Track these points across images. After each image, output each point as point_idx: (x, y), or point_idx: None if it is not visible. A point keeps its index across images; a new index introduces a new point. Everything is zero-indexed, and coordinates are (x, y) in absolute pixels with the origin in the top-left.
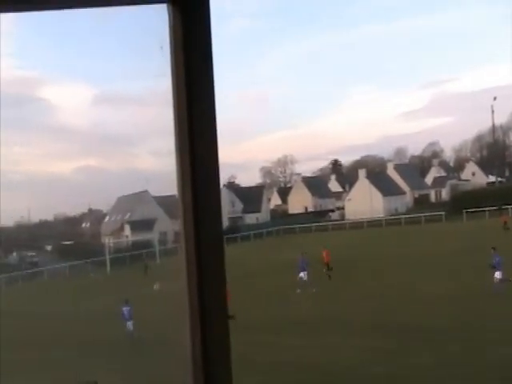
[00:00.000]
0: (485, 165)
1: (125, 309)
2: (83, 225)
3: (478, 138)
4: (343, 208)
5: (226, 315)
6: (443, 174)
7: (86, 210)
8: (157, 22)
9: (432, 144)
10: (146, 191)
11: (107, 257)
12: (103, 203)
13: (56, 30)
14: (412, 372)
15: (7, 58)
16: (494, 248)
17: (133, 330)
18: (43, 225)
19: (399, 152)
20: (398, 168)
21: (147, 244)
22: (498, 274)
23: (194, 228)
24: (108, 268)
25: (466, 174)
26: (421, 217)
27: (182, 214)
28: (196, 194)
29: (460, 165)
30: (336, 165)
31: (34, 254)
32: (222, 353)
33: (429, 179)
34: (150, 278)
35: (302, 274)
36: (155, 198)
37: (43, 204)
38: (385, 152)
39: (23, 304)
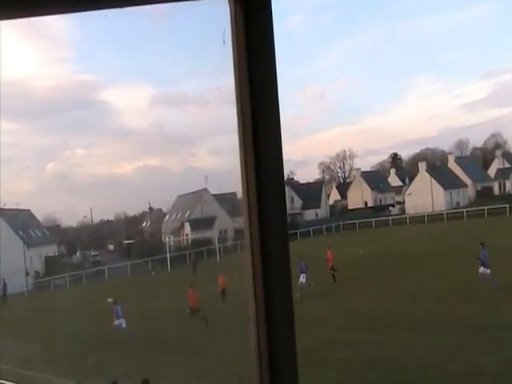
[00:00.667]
0: None
1: (117, 307)
2: (144, 224)
3: None
4: (403, 202)
5: (291, 309)
6: (507, 165)
7: (146, 209)
8: (217, 16)
9: (494, 135)
10: (205, 189)
11: (168, 255)
12: (163, 202)
13: (114, 32)
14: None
15: (69, 64)
16: (482, 244)
17: (126, 328)
18: (105, 224)
19: (460, 144)
20: (459, 160)
21: (207, 242)
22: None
23: (258, 224)
24: (169, 266)
25: None
26: (484, 210)
27: (247, 210)
28: (260, 191)
29: None
30: (395, 158)
31: (96, 253)
32: (288, 346)
33: (492, 171)
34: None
35: (301, 278)
36: (214, 195)
37: (105, 204)
38: (445, 144)
39: (90, 302)
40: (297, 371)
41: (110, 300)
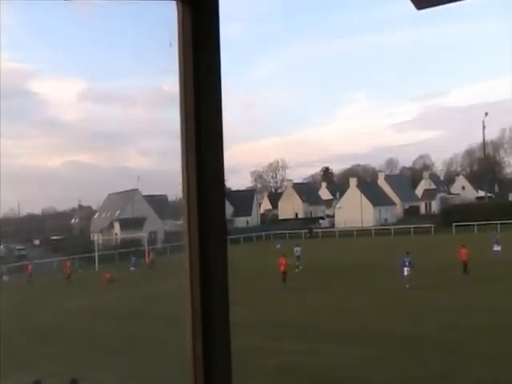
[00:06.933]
0: (475, 179)
1: None
2: (72, 220)
3: (469, 153)
4: (333, 216)
5: (227, 314)
6: (433, 186)
7: (75, 206)
8: (165, 17)
9: (422, 157)
10: (136, 190)
11: (96, 253)
12: (93, 200)
13: (54, 24)
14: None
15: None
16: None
17: None
18: (32, 218)
19: (390, 163)
20: (389, 179)
21: (136, 242)
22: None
23: (198, 227)
24: (96, 265)
25: (455, 188)
26: (410, 228)
27: (187, 213)
28: (200, 194)
29: (450, 178)
30: (327, 172)
31: (22, 247)
32: (223, 352)
33: (419, 191)
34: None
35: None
36: (145, 197)
37: (32, 197)
38: (376, 162)
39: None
40: (231, 374)
41: None
